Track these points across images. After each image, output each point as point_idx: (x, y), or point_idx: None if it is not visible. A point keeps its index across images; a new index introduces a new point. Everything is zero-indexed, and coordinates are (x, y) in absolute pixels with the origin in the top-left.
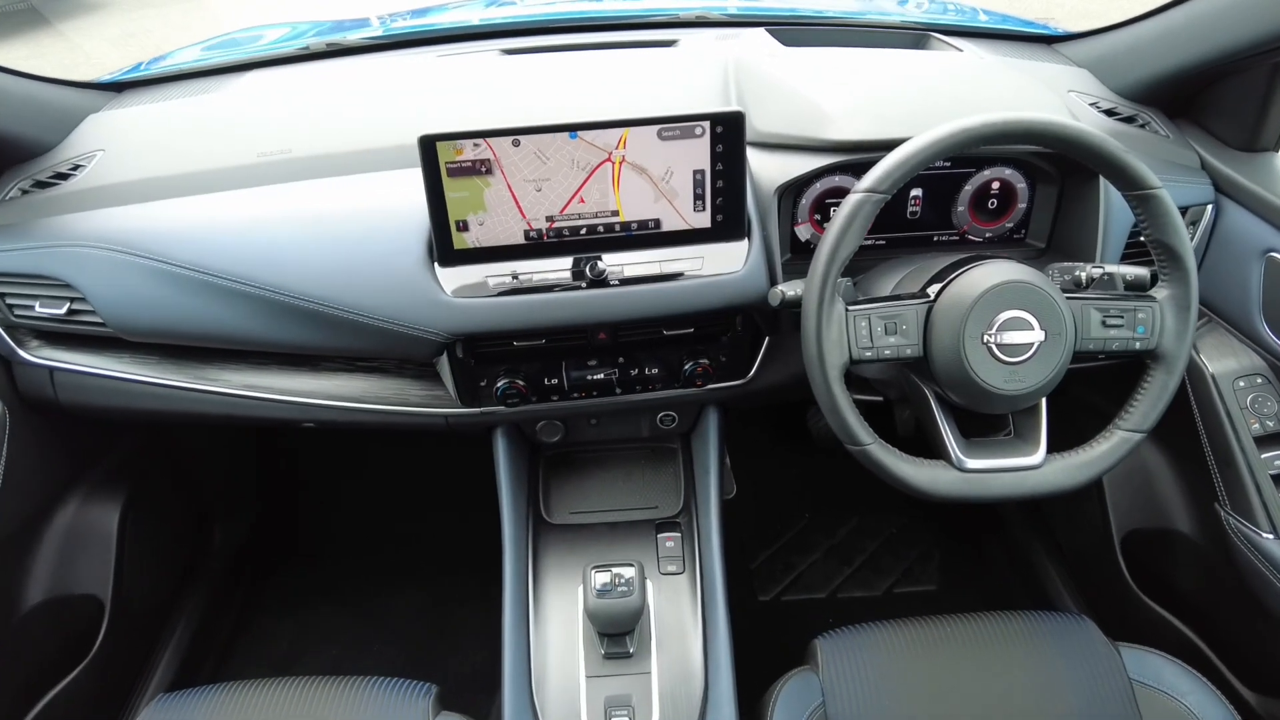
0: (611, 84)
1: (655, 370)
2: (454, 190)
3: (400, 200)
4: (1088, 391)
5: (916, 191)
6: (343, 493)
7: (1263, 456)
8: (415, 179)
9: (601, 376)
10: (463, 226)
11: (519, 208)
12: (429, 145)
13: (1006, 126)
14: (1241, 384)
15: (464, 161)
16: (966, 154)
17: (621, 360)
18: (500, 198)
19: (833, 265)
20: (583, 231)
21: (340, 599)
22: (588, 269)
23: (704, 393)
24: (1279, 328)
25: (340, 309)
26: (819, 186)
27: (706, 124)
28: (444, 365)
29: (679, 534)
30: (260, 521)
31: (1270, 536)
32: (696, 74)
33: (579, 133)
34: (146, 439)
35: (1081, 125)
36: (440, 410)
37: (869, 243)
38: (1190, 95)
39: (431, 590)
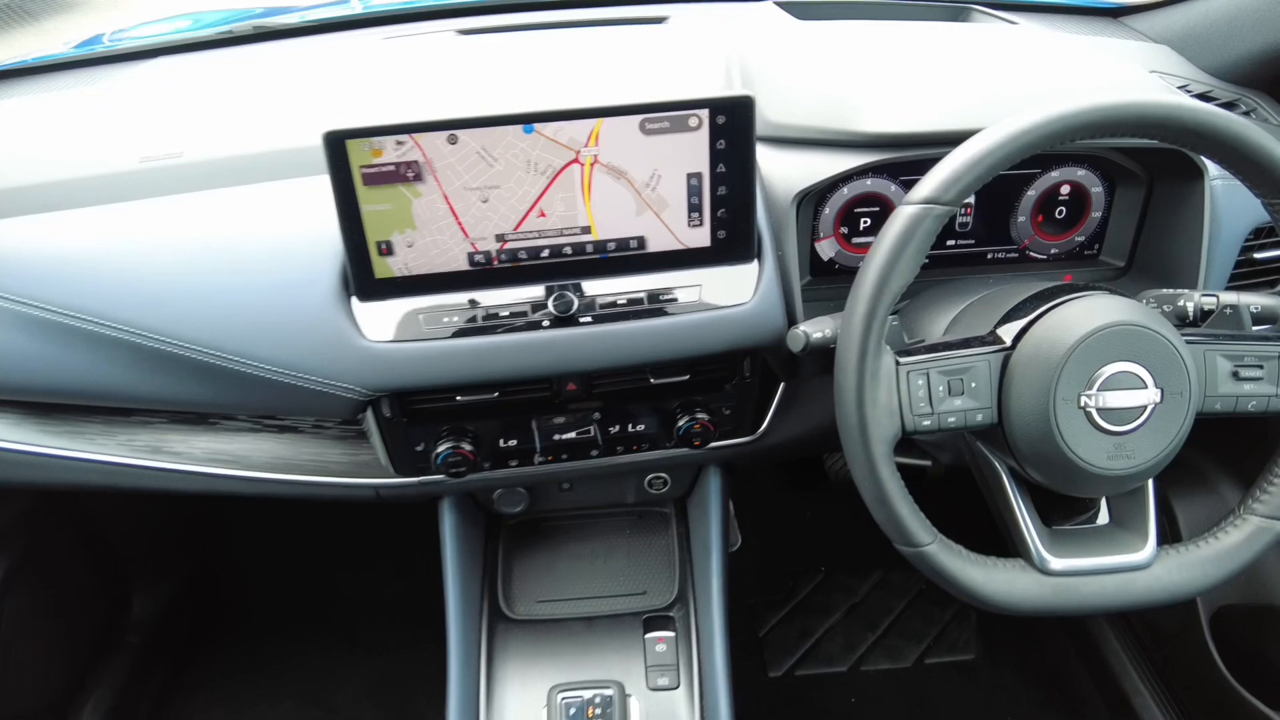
0: (587, 69)
1: (641, 427)
2: (372, 202)
3: (311, 216)
4: None
5: (969, 198)
6: (284, 549)
7: None
8: (328, 189)
9: (572, 437)
10: (386, 249)
11: (459, 224)
12: (337, 144)
13: (1117, 113)
14: None
15: (384, 165)
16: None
17: (598, 416)
18: (434, 211)
19: (879, 304)
20: (544, 254)
21: (279, 677)
22: (551, 303)
23: (702, 453)
24: None
25: (227, 358)
26: (847, 192)
27: (705, 113)
28: (371, 425)
29: (673, 633)
30: (187, 586)
31: None
32: (691, 56)
33: (536, 125)
34: (44, 493)
35: (1208, 108)
36: (368, 481)
37: None
38: None
39: (383, 667)
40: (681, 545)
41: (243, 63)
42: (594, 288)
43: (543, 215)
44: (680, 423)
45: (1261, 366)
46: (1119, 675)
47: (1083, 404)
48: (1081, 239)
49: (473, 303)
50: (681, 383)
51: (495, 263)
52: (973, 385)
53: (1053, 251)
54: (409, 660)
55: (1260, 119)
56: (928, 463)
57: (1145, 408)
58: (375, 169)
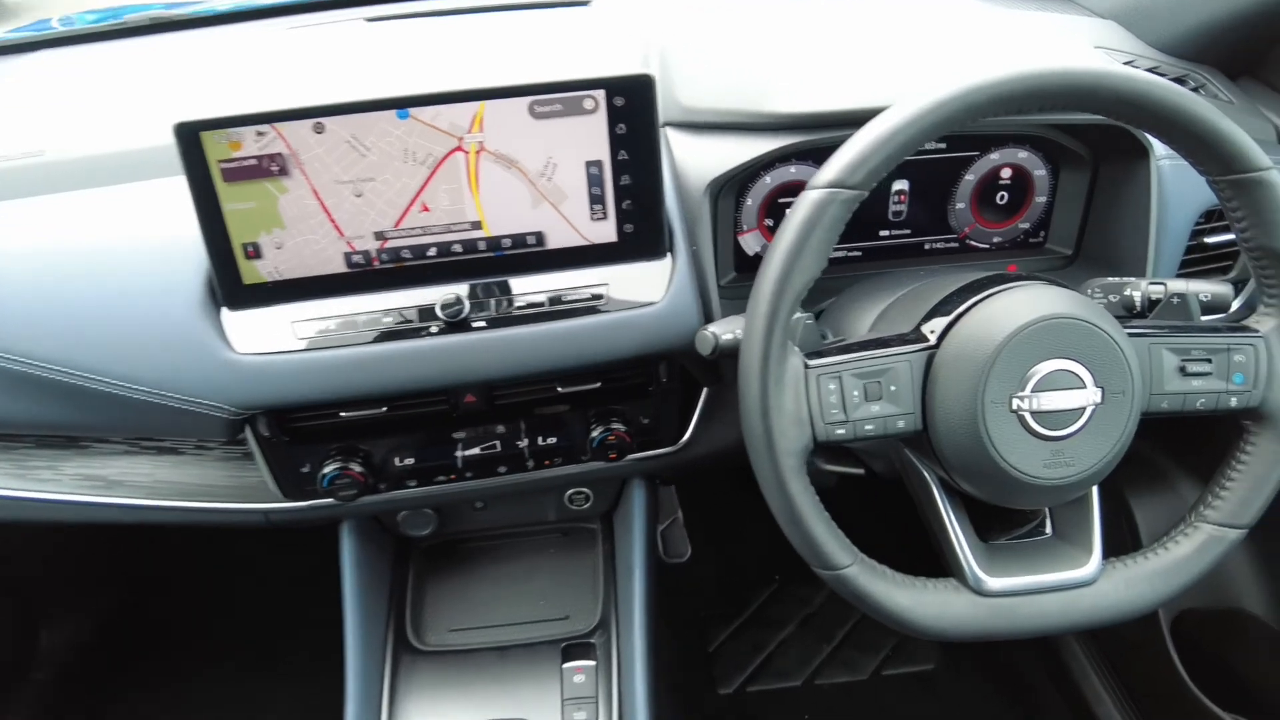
0: (502, 54)
1: (552, 440)
2: (235, 200)
3: (174, 218)
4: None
5: (901, 184)
6: (206, 571)
7: None
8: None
9: (476, 453)
10: (253, 252)
11: (332, 222)
12: (190, 137)
13: (1041, 83)
14: None
15: (245, 159)
16: (971, 129)
17: (502, 429)
18: (303, 208)
19: (782, 301)
20: (431, 253)
21: (200, 707)
22: (439, 307)
23: (623, 466)
24: None
25: (83, 376)
26: (769, 181)
27: (600, 94)
28: (253, 445)
29: (593, 662)
30: (105, 616)
31: None
32: (610, 38)
33: (411, 110)
34: None
35: (1147, 76)
36: (256, 506)
37: (837, 254)
38: (1258, 47)
39: (309, 692)
40: (607, 565)
41: (129, 55)
42: (487, 290)
43: (426, 210)
44: (594, 434)
45: (1210, 360)
46: (1080, 682)
47: (1015, 407)
48: (1026, 226)
49: (352, 308)
50: (593, 391)
51: (376, 263)
52: (892, 389)
53: (995, 240)
54: (335, 685)
55: (1210, 95)
56: (860, 470)
57: (1084, 409)
58: (235, 164)
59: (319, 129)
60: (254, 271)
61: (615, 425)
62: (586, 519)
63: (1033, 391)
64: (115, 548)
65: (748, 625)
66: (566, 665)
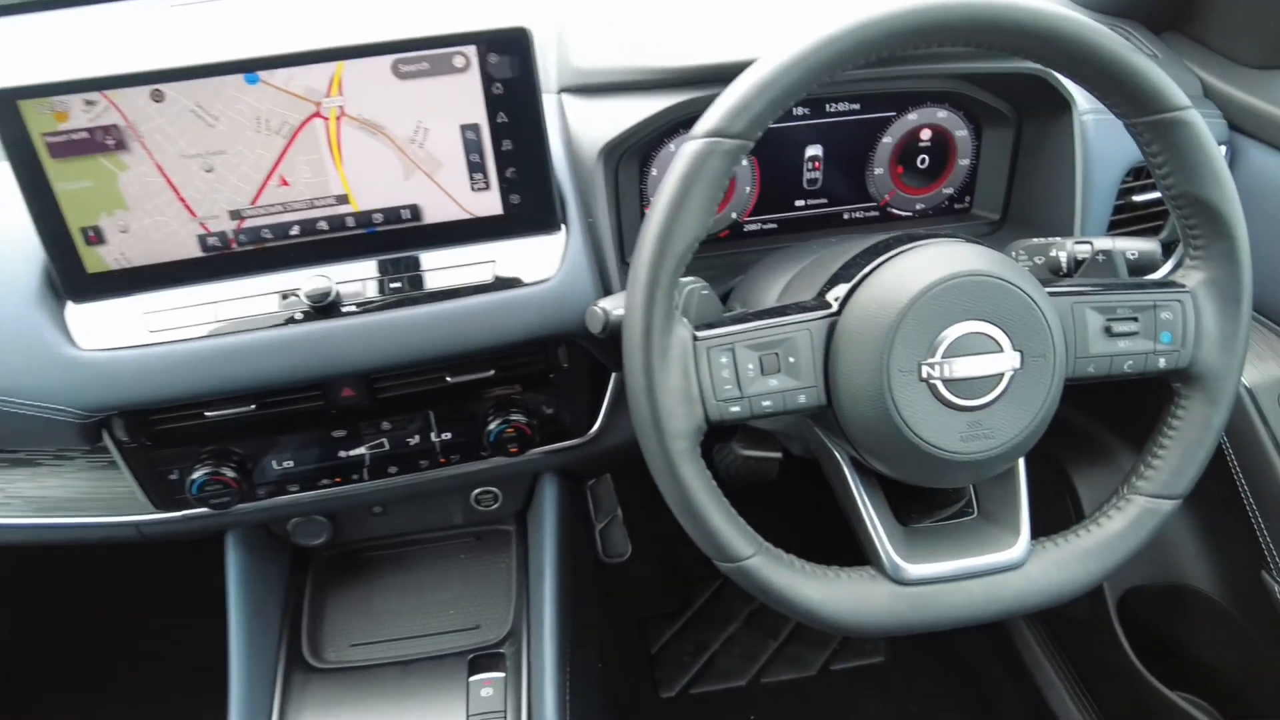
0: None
1: (446, 436)
2: (68, 179)
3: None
4: (1065, 408)
5: (815, 150)
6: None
7: None
8: None
9: (362, 452)
10: (95, 237)
11: (181, 200)
12: (7, 106)
13: (939, 15)
14: None
15: (74, 131)
16: (882, 86)
17: (388, 426)
18: (147, 186)
19: (662, 266)
20: (294, 232)
21: None
22: (304, 292)
23: (529, 460)
24: None
25: None
26: (674, 148)
27: (471, 50)
28: (115, 452)
29: (502, 673)
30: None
31: None
32: (506, 5)
33: (261, 74)
34: None
35: (1052, 7)
36: (126, 519)
37: (752, 228)
38: (1182, 1)
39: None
40: (520, 569)
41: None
42: (358, 270)
43: (285, 184)
44: (491, 427)
45: (1137, 319)
46: (1032, 669)
47: (925, 375)
48: (950, 191)
49: (210, 296)
50: (487, 380)
51: (234, 245)
52: (791, 360)
53: (919, 207)
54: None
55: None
56: (778, 455)
57: (1002, 375)
58: (64, 137)
59: (158, 97)
60: (97, 259)
61: (515, 417)
62: (498, 520)
63: (944, 358)
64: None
65: (691, 624)
66: (473, 678)
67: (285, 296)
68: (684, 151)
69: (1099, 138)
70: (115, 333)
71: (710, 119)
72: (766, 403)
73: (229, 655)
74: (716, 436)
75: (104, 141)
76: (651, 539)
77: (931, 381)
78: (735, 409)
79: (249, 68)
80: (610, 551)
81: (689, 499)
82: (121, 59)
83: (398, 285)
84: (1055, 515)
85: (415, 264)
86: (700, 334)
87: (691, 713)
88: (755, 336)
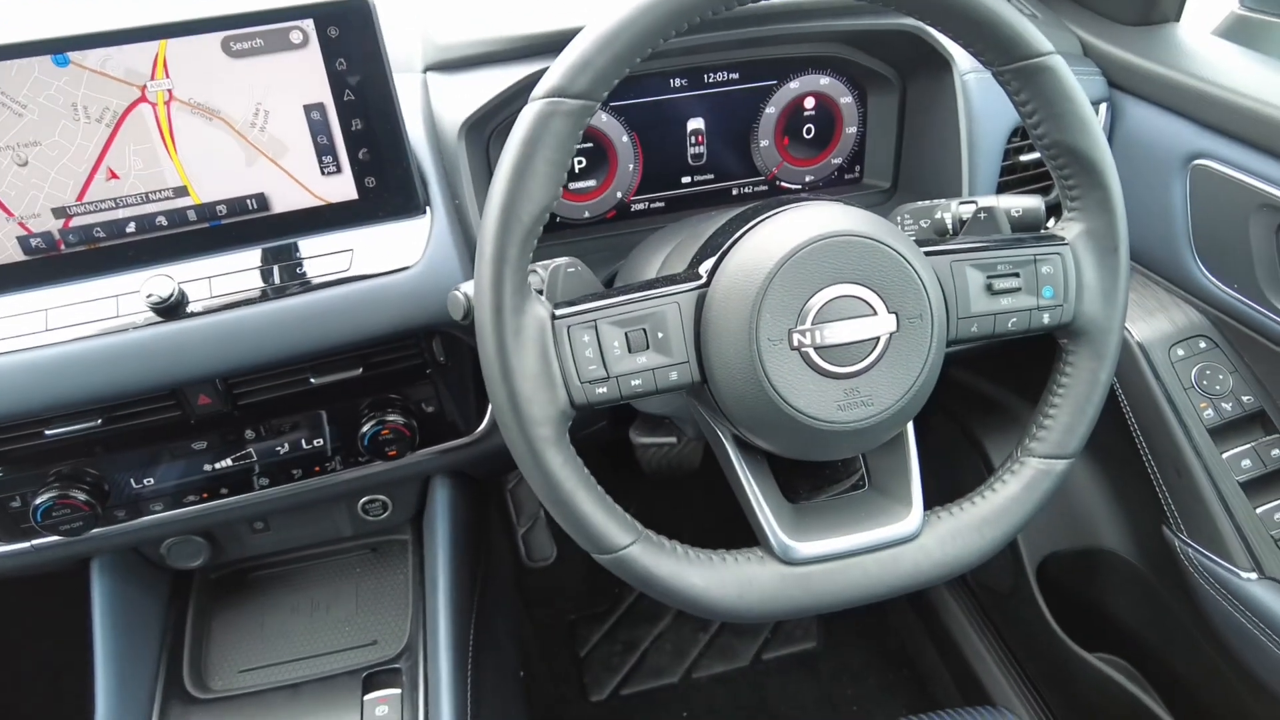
0: None
1: (318, 442)
2: None
3: None
4: (964, 372)
5: (696, 123)
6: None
7: (1224, 456)
8: None
9: (228, 464)
10: None
11: None
12: None
13: None
14: (1180, 352)
15: None
16: (758, 53)
17: (252, 435)
18: None
19: (508, 236)
20: (129, 229)
21: None
22: (143, 293)
23: (414, 463)
24: (1219, 267)
25: None
26: None
27: (308, 24)
28: None
29: (398, 690)
30: None
31: (1251, 576)
32: None
33: (71, 55)
34: None
35: None
36: None
37: (639, 207)
38: None
39: None
40: (417, 579)
41: None
42: (203, 268)
43: (115, 177)
44: (364, 429)
45: (1018, 274)
46: (961, 644)
47: (796, 343)
48: (839, 161)
49: (38, 303)
50: (356, 379)
51: (62, 246)
52: (660, 336)
53: (808, 179)
54: None
55: (1015, 8)
56: (672, 439)
57: (878, 340)
58: None
59: None
60: None
61: (391, 418)
62: (393, 530)
63: (814, 324)
64: None
65: (621, 623)
66: (368, 696)
67: (124, 300)
68: (525, 115)
69: (981, 97)
70: None
71: (550, 79)
72: (636, 382)
73: (94, 692)
74: (622, 426)
75: None
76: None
77: (803, 349)
78: (602, 390)
79: (56, 48)
80: (534, 555)
81: (556, 489)
82: None
83: (248, 282)
84: (967, 481)
85: (267, 257)
86: (559, 311)
87: (623, 715)
88: (620, 312)
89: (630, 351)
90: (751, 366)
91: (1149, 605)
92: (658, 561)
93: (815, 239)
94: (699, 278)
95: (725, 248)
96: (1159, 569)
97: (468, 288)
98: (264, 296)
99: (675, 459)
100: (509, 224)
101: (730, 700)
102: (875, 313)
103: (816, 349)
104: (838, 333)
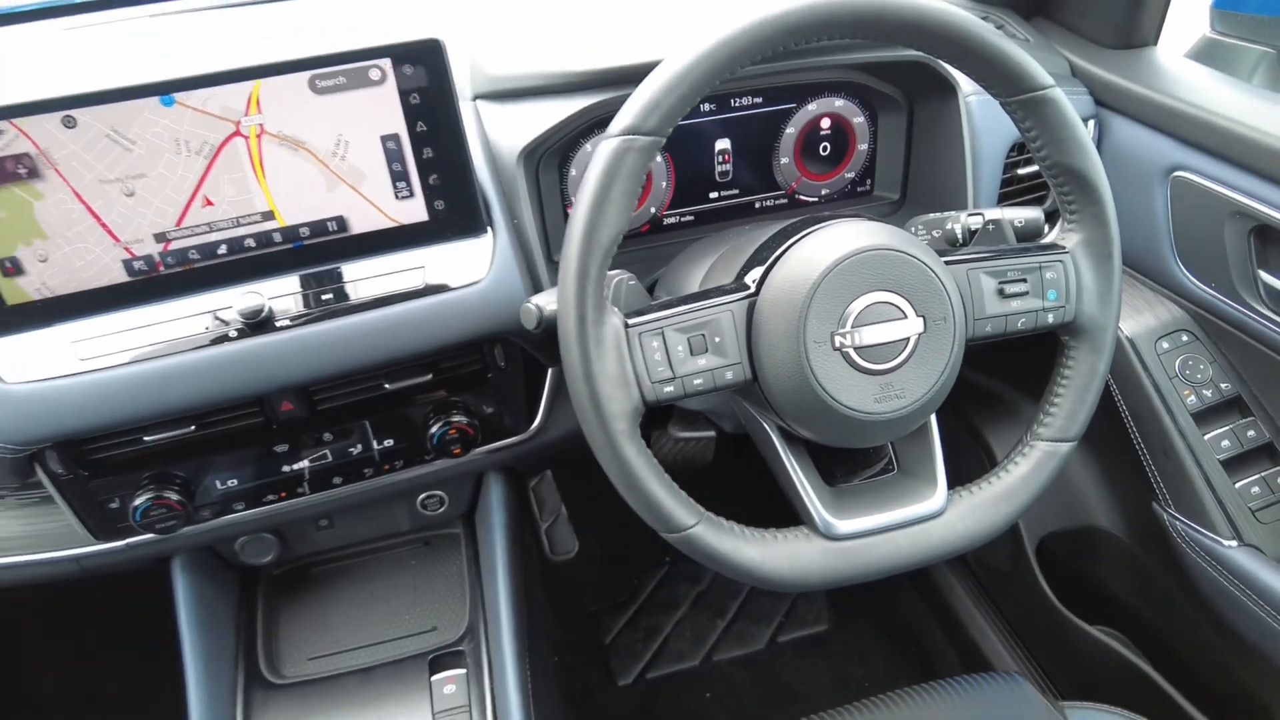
0: (274, 34)
1: (389, 443)
2: None
3: None
4: (966, 370)
5: (723, 143)
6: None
7: (1206, 438)
8: None
9: (306, 465)
10: (12, 268)
11: (103, 226)
12: None
13: (820, 14)
14: (1165, 345)
15: None
16: (781, 79)
17: (329, 437)
18: (66, 214)
19: (590, 258)
20: (221, 251)
21: None
22: (237, 309)
23: (473, 461)
24: (1198, 268)
25: None
26: (590, 149)
27: (386, 63)
28: (50, 485)
29: (463, 670)
30: None
31: (1232, 543)
32: (417, 14)
33: (176, 95)
34: None
35: (938, 3)
36: (66, 553)
37: (670, 220)
38: None
39: None
40: (472, 569)
41: None
42: (289, 285)
43: (209, 204)
44: (433, 430)
45: (1025, 280)
46: (966, 623)
47: (838, 344)
48: (852, 175)
49: (141, 320)
50: (426, 384)
51: (161, 268)
52: (717, 340)
53: (824, 192)
54: None
55: (1009, 34)
56: (712, 433)
57: (908, 340)
58: None
59: (69, 123)
60: (17, 290)
61: (456, 418)
62: (446, 524)
63: (854, 327)
64: None
65: (641, 612)
66: (435, 677)
67: (217, 316)
68: (601, 150)
69: (983, 117)
70: (44, 363)
71: (624, 118)
72: (698, 381)
73: (186, 681)
74: (652, 424)
75: (15, 171)
76: (596, 535)
77: (844, 350)
78: (669, 389)
79: (164, 90)
80: (557, 549)
81: (632, 476)
82: (27, 85)
83: (330, 297)
84: (971, 467)
85: (346, 275)
86: (631, 321)
87: (649, 696)
88: (682, 320)
89: (692, 354)
90: (799, 366)
91: (1139, 578)
92: (719, 539)
93: (853, 253)
94: (747, 287)
95: (771, 261)
96: (1148, 544)
97: (540, 300)
98: (346, 310)
99: (691, 454)
100: (591, 246)
101: (749, 680)
102: (906, 316)
103: (856, 349)
104: (874, 334)
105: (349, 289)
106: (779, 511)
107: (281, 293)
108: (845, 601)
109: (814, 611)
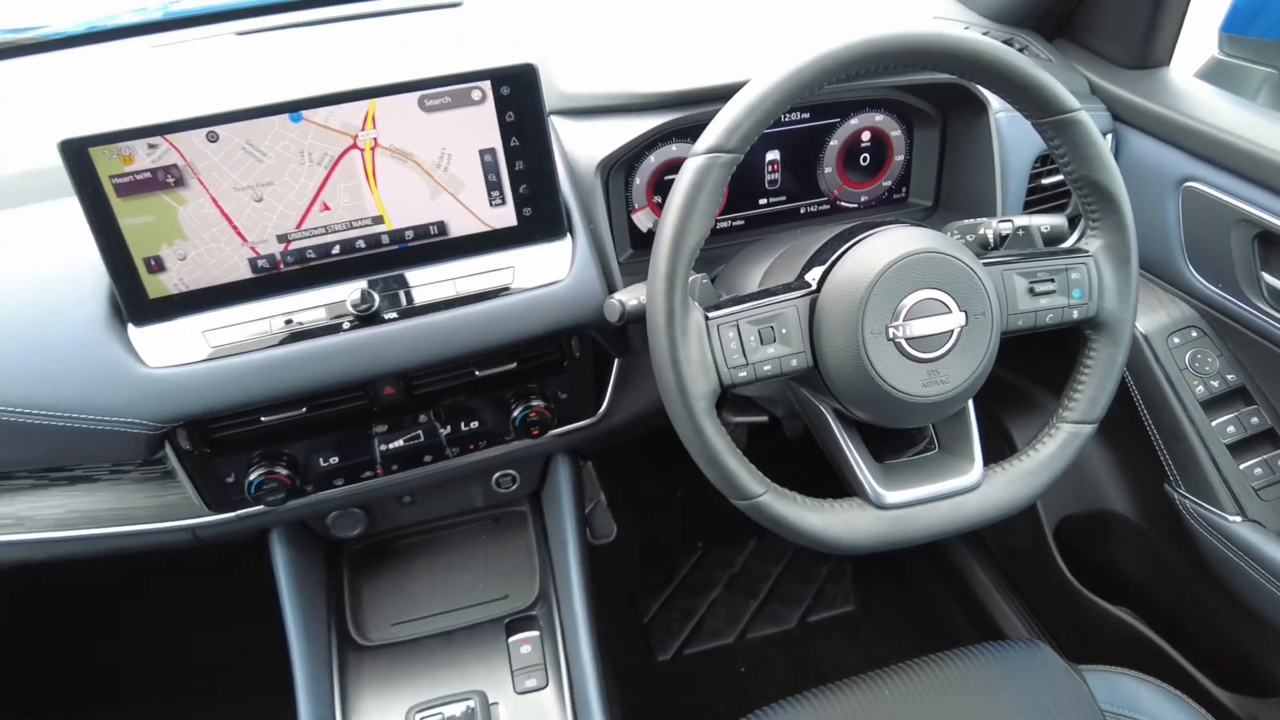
0: (373, 55)
1: (475, 424)
2: (131, 214)
3: (68, 240)
4: (1002, 370)
5: (773, 154)
6: (127, 616)
7: (1213, 424)
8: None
9: (401, 444)
10: (155, 265)
11: (234, 228)
12: (78, 153)
13: (878, 48)
14: (1176, 340)
15: (138, 172)
16: (826, 97)
17: (424, 419)
18: (204, 218)
19: (678, 260)
20: (335, 251)
21: None
22: (349, 302)
23: (545, 442)
24: (1206, 270)
25: None
26: (654, 160)
27: (486, 85)
28: (174, 461)
29: (537, 632)
30: (28, 680)
31: (1237, 519)
32: (486, 33)
33: (304, 113)
34: None
35: (974, 36)
36: (183, 523)
37: (723, 225)
38: (1067, 10)
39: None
40: (540, 543)
41: None
42: (395, 282)
43: (326, 209)
44: (515, 413)
45: (1053, 280)
46: (987, 604)
47: (891, 335)
48: (889, 183)
49: (263, 312)
50: (510, 372)
51: (281, 266)
52: (784, 332)
53: (863, 199)
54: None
55: (1032, 54)
56: (764, 418)
57: (952, 332)
58: (129, 178)
59: (212, 138)
60: (159, 285)
61: (535, 402)
62: (515, 502)
63: (905, 320)
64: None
65: (677, 593)
66: (512, 639)
67: (332, 309)
68: (691, 165)
69: (1010, 132)
70: (179, 350)
71: (710, 137)
72: (767, 367)
73: (289, 643)
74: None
75: (165, 180)
76: (632, 521)
77: (897, 340)
78: (742, 374)
79: (294, 108)
80: (597, 534)
81: (711, 450)
82: (172, 104)
83: (431, 293)
84: (993, 451)
85: (445, 274)
86: (711, 314)
87: (687, 671)
88: (754, 314)
89: (762, 344)
90: (858, 354)
91: (1150, 556)
92: (785, 508)
93: (905, 255)
94: (809, 285)
95: (830, 261)
96: (1159, 523)
97: (622, 295)
98: (444, 305)
99: (734, 438)
100: (679, 249)
101: (781, 656)
102: (950, 311)
103: (907, 340)
104: (923, 327)
105: (447, 286)
106: (816, 489)
107: (388, 289)
108: (871, 584)
109: (841, 593)
